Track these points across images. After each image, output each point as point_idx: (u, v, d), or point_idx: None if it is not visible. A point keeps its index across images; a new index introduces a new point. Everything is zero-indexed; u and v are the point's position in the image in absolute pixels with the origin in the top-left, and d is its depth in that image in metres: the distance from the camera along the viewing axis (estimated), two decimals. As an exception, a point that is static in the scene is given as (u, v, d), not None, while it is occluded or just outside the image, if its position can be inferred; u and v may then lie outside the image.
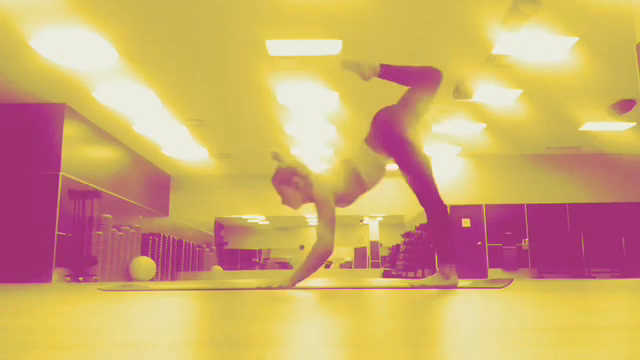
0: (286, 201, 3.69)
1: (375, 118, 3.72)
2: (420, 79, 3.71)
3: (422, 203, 3.69)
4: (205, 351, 0.64)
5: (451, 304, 1.56)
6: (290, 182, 3.63)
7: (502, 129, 11.05)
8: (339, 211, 15.55)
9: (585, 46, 7.21)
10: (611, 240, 12.70)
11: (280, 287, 3.45)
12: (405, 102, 3.71)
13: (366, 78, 3.76)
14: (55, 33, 6.58)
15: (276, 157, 3.66)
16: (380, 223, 21.37)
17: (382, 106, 9.46)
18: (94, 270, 9.75)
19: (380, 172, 3.75)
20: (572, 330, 0.83)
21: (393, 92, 8.85)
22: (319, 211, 3.58)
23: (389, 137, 3.66)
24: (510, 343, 0.69)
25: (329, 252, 3.51)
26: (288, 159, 3.78)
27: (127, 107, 9.37)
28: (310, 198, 3.69)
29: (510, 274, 12.51)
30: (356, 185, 3.68)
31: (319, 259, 3.49)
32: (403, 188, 15.52)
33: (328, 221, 3.55)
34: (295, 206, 3.72)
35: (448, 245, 3.62)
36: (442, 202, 3.66)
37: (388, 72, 3.75)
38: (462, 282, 4.77)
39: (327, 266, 20.70)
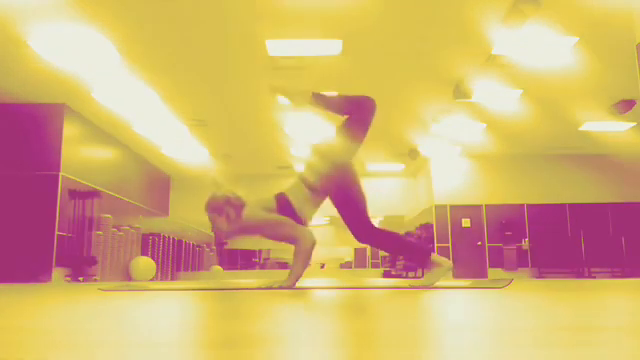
0: (215, 229, 3.60)
1: (327, 170, 3.68)
2: (354, 108, 3.72)
3: (365, 241, 3.68)
4: (205, 351, 0.64)
5: (451, 304, 1.56)
6: (222, 212, 3.56)
7: (502, 129, 11.05)
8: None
9: (585, 46, 7.21)
10: (611, 240, 12.69)
11: (280, 287, 3.45)
12: (346, 134, 3.71)
13: (298, 106, 3.79)
14: (55, 33, 6.58)
15: (215, 183, 3.61)
16: (380, 223, 21.36)
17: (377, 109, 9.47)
18: (94, 270, 9.75)
19: (313, 210, 3.76)
20: (572, 330, 0.83)
21: (391, 92, 8.85)
22: (277, 232, 3.53)
23: (340, 191, 3.69)
24: (510, 343, 0.69)
25: (313, 243, 3.54)
26: (226, 187, 3.69)
27: (127, 107, 9.37)
28: (245, 231, 3.59)
29: (510, 274, 12.51)
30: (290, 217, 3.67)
31: (307, 254, 3.52)
32: (403, 188, 15.52)
33: (291, 228, 3.55)
34: (224, 237, 3.62)
35: (413, 249, 3.63)
36: (378, 228, 3.66)
37: (320, 100, 3.76)
38: (462, 282, 4.77)
39: (322, 266, 20.71)
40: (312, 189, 3.67)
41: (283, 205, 3.64)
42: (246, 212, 3.56)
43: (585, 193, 13.05)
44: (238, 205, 3.57)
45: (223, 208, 3.56)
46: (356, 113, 3.69)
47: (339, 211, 3.72)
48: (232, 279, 14.51)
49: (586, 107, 9.77)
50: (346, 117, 3.73)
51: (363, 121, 3.68)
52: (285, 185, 15.44)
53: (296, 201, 3.66)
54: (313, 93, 3.76)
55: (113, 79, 8.13)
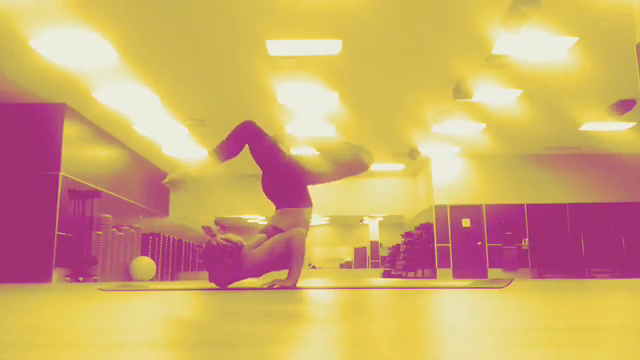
0: (213, 279, 3.54)
1: (277, 192, 3.75)
2: (238, 135, 3.84)
3: (367, 162, 3.71)
4: (205, 351, 0.65)
5: (451, 304, 1.56)
6: (219, 262, 3.47)
7: (502, 129, 11.05)
8: (339, 211, 15.55)
9: (585, 46, 7.21)
10: (611, 240, 12.69)
11: (281, 287, 3.45)
12: (255, 150, 3.85)
13: (211, 170, 3.82)
14: (55, 33, 6.58)
15: (208, 232, 3.52)
16: (380, 223, 21.37)
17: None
18: (94, 270, 9.75)
19: (305, 221, 3.78)
20: (572, 330, 0.83)
21: (391, 92, 8.85)
22: (275, 255, 3.53)
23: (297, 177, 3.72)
24: (510, 343, 0.69)
25: (305, 237, 3.58)
26: (219, 234, 3.60)
27: (127, 107, 9.37)
28: (246, 274, 3.54)
29: (510, 274, 12.51)
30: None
31: (301, 251, 3.53)
32: (403, 188, 15.51)
33: (281, 239, 3.56)
34: (224, 284, 3.55)
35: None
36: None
37: (220, 150, 3.83)
38: (462, 282, 4.77)
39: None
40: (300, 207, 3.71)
41: (273, 233, 3.67)
42: (244, 255, 3.51)
43: (585, 193, 13.05)
44: (235, 251, 3.49)
45: (221, 258, 3.47)
46: (245, 138, 3.85)
47: (330, 180, 3.75)
48: (232, 279, 14.48)
49: (586, 107, 9.77)
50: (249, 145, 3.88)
51: (248, 138, 3.84)
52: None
53: (283, 224, 3.68)
54: (214, 149, 3.83)
55: (113, 79, 8.13)
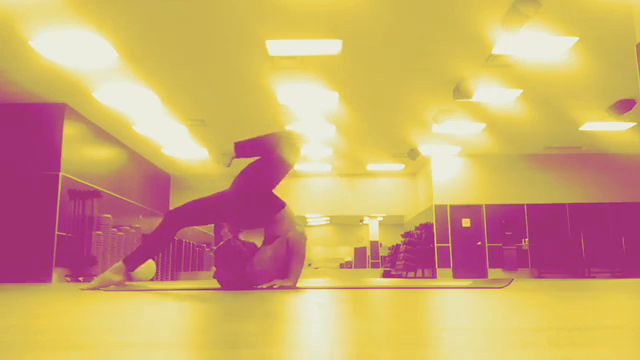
0: (218, 277, 3.49)
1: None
2: (167, 232, 3.47)
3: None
4: (205, 351, 0.65)
5: (451, 304, 1.56)
6: (230, 263, 3.45)
7: (502, 129, 11.05)
8: (339, 211, 15.55)
9: (585, 46, 7.21)
10: (611, 240, 12.69)
11: (281, 287, 3.46)
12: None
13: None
14: (55, 33, 6.58)
15: (233, 231, 3.48)
16: (380, 223, 21.37)
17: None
18: (94, 270, 9.75)
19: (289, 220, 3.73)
20: (572, 330, 0.83)
21: (391, 92, 8.85)
22: (278, 260, 3.51)
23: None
24: (510, 343, 0.69)
25: (305, 237, 3.55)
26: (242, 236, 3.56)
27: (127, 107, 9.37)
28: (252, 280, 3.50)
29: (510, 274, 12.50)
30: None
31: (302, 252, 3.52)
32: (403, 188, 15.51)
33: (280, 243, 3.56)
34: (226, 286, 3.52)
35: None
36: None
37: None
38: (462, 282, 4.77)
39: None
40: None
41: (272, 241, 3.67)
42: (254, 262, 3.50)
43: (585, 193, 13.04)
44: (248, 257, 3.49)
45: (233, 259, 3.47)
46: (175, 231, 3.58)
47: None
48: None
49: (586, 107, 9.77)
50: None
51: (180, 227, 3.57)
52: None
53: (277, 231, 3.64)
54: (124, 260, 3.54)
55: (113, 79, 8.13)
